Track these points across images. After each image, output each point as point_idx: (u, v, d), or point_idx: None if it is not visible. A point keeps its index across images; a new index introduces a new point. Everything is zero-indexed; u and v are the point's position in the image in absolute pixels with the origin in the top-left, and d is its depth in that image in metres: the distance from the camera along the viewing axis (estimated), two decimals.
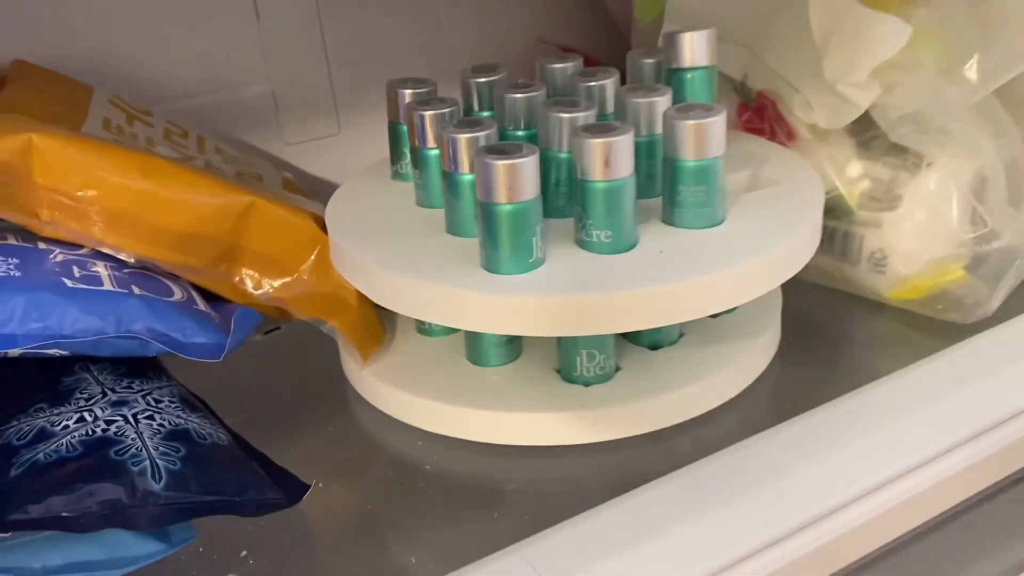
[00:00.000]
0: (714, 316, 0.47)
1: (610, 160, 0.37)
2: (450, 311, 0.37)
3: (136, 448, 0.34)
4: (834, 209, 0.50)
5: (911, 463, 0.39)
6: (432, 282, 0.37)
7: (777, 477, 0.38)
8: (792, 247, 0.39)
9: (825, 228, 0.51)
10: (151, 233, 0.41)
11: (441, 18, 0.69)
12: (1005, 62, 0.43)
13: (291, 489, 0.36)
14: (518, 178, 0.36)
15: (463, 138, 0.39)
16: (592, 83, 0.44)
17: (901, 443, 0.40)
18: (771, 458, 0.39)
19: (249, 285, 0.44)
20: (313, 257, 0.44)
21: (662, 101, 0.42)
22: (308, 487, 0.36)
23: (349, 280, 0.42)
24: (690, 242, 0.39)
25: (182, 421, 0.36)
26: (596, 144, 0.37)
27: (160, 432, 0.35)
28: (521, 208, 0.36)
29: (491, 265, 0.37)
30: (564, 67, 0.47)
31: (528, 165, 0.36)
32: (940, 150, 0.46)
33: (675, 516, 0.36)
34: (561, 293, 0.36)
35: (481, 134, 0.39)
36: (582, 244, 0.39)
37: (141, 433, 0.35)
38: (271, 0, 0.62)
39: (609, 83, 0.44)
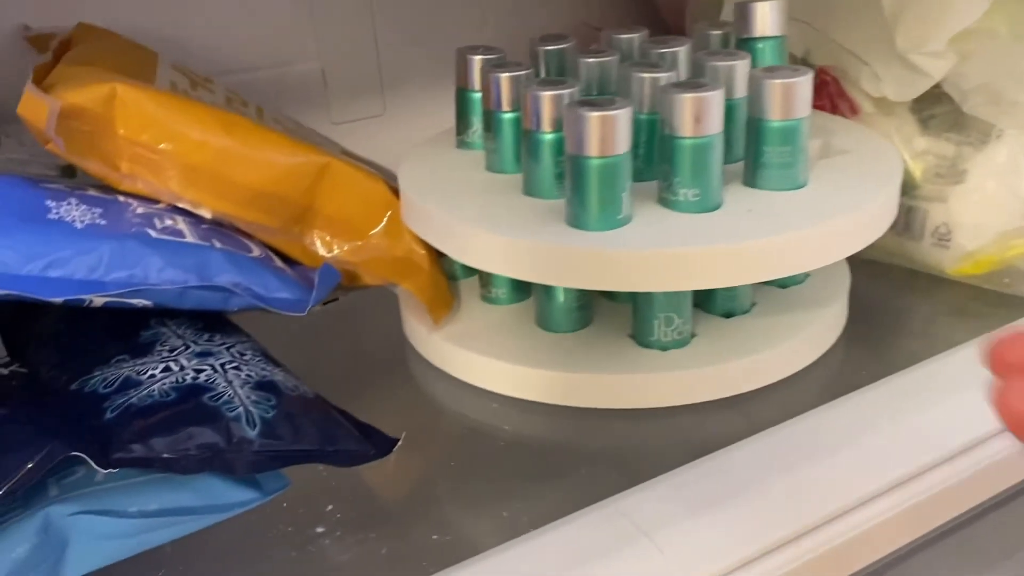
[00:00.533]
0: (783, 286, 0.47)
1: (701, 116, 0.37)
2: (542, 267, 0.37)
3: (229, 395, 0.33)
4: None
5: (982, 434, 0.39)
6: (520, 237, 0.37)
7: (851, 444, 0.38)
8: (880, 206, 0.39)
9: None
10: (229, 190, 0.40)
11: (486, 3, 0.69)
12: None
13: (379, 442, 0.35)
14: (611, 130, 0.36)
15: (547, 95, 0.39)
16: (665, 50, 0.44)
17: (972, 412, 0.40)
18: (845, 425, 0.39)
19: (320, 247, 0.43)
20: (385, 221, 0.44)
21: (742, 65, 0.42)
22: (397, 440, 0.35)
23: (428, 238, 0.41)
24: (777, 202, 0.39)
25: (268, 373, 0.36)
26: (687, 99, 0.37)
27: (249, 382, 0.34)
28: (613, 162, 0.36)
29: (579, 221, 0.37)
30: (631, 37, 0.47)
31: (622, 118, 0.36)
32: (1011, 121, 0.46)
33: (759, 478, 0.36)
34: (658, 247, 0.36)
35: (566, 91, 0.39)
36: (668, 204, 0.39)
37: (231, 382, 0.34)
38: None
39: (682, 50, 0.44)
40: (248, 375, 0.35)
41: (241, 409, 0.33)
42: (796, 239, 0.36)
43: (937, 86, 0.49)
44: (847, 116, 0.51)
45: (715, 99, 0.37)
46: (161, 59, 0.52)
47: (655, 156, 0.41)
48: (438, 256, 0.46)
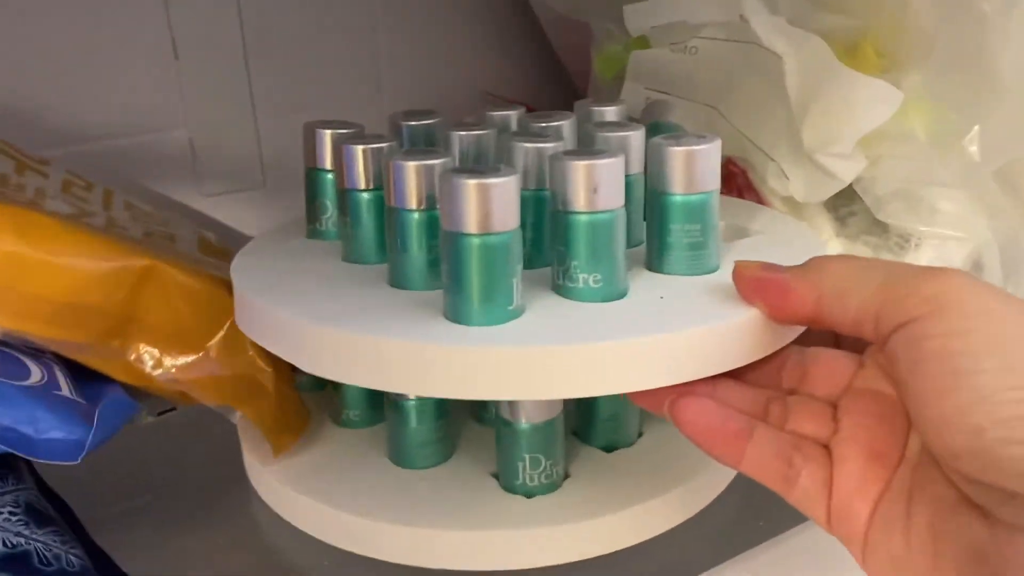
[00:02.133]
0: None
1: (599, 186, 0.31)
2: (417, 372, 0.30)
3: None
4: None
5: None
6: (389, 336, 0.30)
7: None
8: None
9: None
10: (23, 304, 0.33)
11: (382, 68, 0.64)
12: (1010, 136, 0.39)
13: None
14: (498, 201, 0.29)
15: (413, 165, 0.33)
16: (546, 123, 0.38)
17: None
18: None
19: (148, 364, 0.37)
20: (223, 332, 0.37)
21: (636, 135, 0.36)
22: None
23: (266, 344, 0.34)
24: (690, 288, 0.33)
25: (23, 540, 0.29)
26: (581, 167, 0.31)
27: None
28: (501, 240, 0.30)
29: (459, 314, 0.31)
30: (507, 114, 0.41)
31: (508, 186, 0.30)
32: (930, 229, 0.41)
33: None
34: (565, 342, 0.29)
35: (437, 161, 0.33)
36: (565, 292, 0.32)
37: None
38: (192, 40, 0.56)
39: (567, 123, 0.38)
40: None
41: None
42: (731, 329, 0.30)
43: (858, 179, 0.44)
44: None
45: (615, 166, 0.31)
46: None
47: (545, 239, 0.35)
48: (289, 370, 0.40)
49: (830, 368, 0.31)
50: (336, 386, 0.40)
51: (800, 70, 0.40)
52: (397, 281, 0.34)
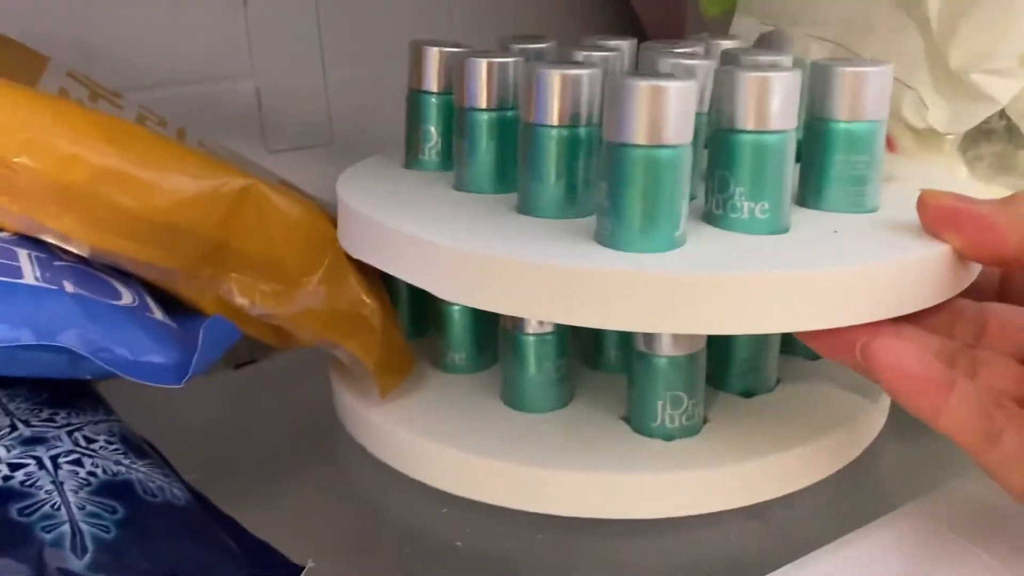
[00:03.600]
0: (812, 357, 0.37)
1: (771, 103, 0.27)
2: (570, 301, 0.26)
3: (51, 506, 0.23)
4: None
5: None
6: (541, 260, 0.26)
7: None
8: None
9: None
10: (112, 218, 0.30)
11: (455, 20, 0.61)
12: None
13: (273, 569, 0.25)
14: (669, 109, 0.26)
15: (558, 74, 0.29)
16: (681, 49, 0.35)
17: None
18: (917, 543, 0.29)
19: (240, 297, 0.33)
20: (326, 264, 0.34)
21: (786, 60, 0.33)
22: (301, 568, 0.25)
23: (382, 264, 0.31)
24: (857, 225, 0.30)
25: (123, 469, 0.26)
26: (759, 80, 0.27)
27: (89, 484, 0.24)
28: (673, 154, 0.26)
29: (616, 239, 0.27)
30: (618, 42, 0.37)
31: (685, 92, 0.26)
32: None
33: None
34: (734, 271, 0.26)
35: (585, 72, 0.29)
36: (723, 223, 0.29)
37: (61, 484, 0.24)
38: None
39: (701, 55, 0.35)
40: (90, 474, 0.25)
41: (66, 527, 0.22)
42: (916, 265, 0.27)
43: (986, 120, 0.40)
44: None
45: (791, 81, 0.28)
46: (53, 65, 0.42)
47: (700, 164, 0.31)
48: (393, 310, 0.36)
49: (1015, 324, 0.28)
50: (440, 329, 0.36)
51: None
52: (529, 207, 0.31)
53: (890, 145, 0.43)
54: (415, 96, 0.36)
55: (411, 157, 0.37)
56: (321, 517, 0.33)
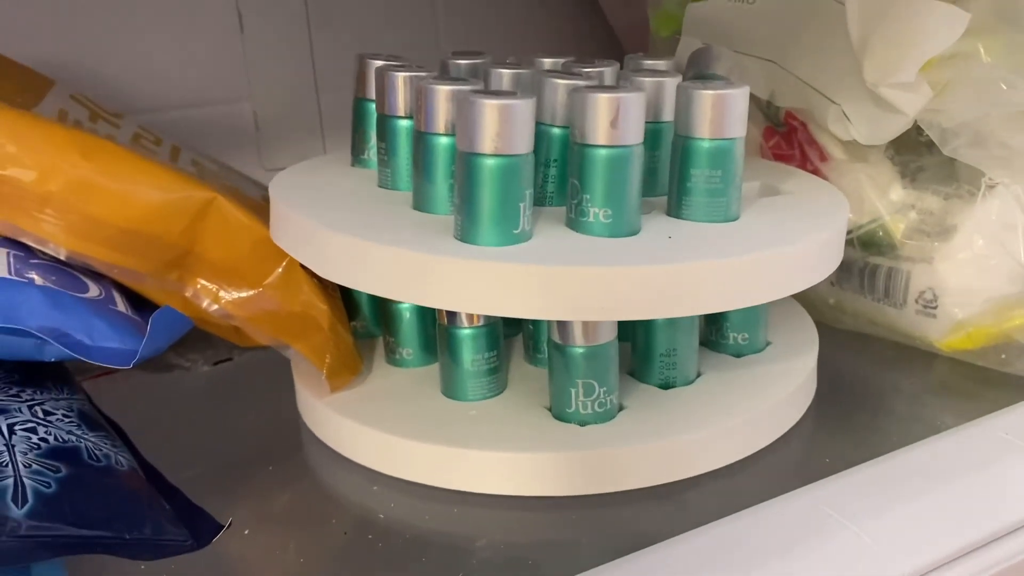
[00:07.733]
0: (738, 355, 0.40)
1: (618, 120, 0.30)
2: (418, 283, 0.30)
3: (0, 463, 0.26)
4: (875, 242, 0.44)
5: (971, 540, 0.31)
6: (398, 247, 0.31)
7: (804, 545, 0.30)
8: (819, 242, 0.33)
9: (866, 265, 0.44)
10: (87, 226, 0.34)
11: (442, 43, 0.65)
12: None
13: (200, 529, 0.28)
14: (509, 124, 0.30)
15: (443, 90, 0.33)
16: (589, 68, 0.38)
17: (961, 514, 0.32)
18: (801, 522, 0.32)
19: (204, 299, 0.37)
20: (281, 269, 0.37)
21: (672, 83, 0.36)
22: (221, 527, 0.28)
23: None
24: (701, 232, 0.33)
25: (74, 438, 0.29)
26: (602, 100, 0.30)
27: (38, 448, 0.28)
28: (510, 162, 0.30)
29: (467, 234, 0.31)
30: (554, 60, 0.41)
31: (521, 109, 0.30)
32: (1003, 169, 0.39)
33: None
34: (553, 265, 0.29)
35: (465, 88, 0.33)
36: (575, 225, 0.33)
37: (13, 447, 0.27)
38: (257, 12, 0.58)
39: (608, 70, 0.38)
40: (42, 440, 0.28)
41: (10, 481, 0.26)
42: (716, 269, 0.30)
43: (924, 133, 0.43)
44: (817, 165, 0.45)
45: (634, 102, 0.31)
46: (58, 88, 0.47)
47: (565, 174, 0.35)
48: (345, 314, 0.40)
49: None
50: (389, 326, 0.40)
51: (861, 3, 0.39)
52: (420, 204, 0.35)
53: (823, 157, 0.45)
54: (358, 103, 0.40)
55: (355, 157, 0.41)
56: (274, 494, 0.36)
